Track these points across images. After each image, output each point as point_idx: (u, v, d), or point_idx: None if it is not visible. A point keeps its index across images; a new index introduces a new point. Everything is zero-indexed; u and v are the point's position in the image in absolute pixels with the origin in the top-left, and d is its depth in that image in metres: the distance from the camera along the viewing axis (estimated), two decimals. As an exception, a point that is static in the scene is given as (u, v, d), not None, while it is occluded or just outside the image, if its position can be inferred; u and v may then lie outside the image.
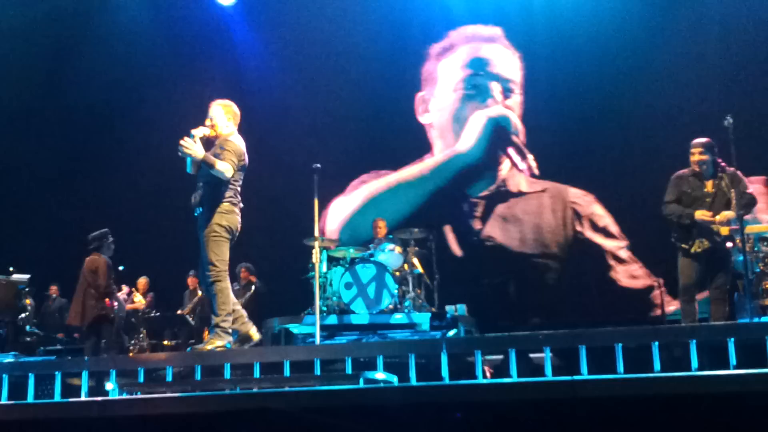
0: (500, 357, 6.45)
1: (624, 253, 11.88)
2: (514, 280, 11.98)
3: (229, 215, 7.02)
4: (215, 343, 6.73)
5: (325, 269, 9.39)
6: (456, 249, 12.37)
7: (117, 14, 13.13)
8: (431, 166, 12.88)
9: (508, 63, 12.81)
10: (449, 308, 9.45)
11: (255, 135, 12.41)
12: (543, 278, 12.09)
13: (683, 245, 7.25)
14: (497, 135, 12.66)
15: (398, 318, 8.90)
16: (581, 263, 11.84)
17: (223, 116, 7.22)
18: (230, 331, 6.89)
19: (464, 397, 4.97)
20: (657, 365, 5.74)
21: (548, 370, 5.97)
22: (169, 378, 6.35)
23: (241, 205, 7.20)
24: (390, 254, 9.53)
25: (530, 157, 12.48)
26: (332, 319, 8.96)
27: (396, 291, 9.09)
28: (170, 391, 5.98)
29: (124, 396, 5.87)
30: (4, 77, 12.38)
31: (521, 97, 12.70)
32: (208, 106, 7.25)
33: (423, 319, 8.87)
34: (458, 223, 12.52)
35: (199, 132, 7.03)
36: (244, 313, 7.09)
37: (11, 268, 9.24)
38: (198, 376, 6.32)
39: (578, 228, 12.17)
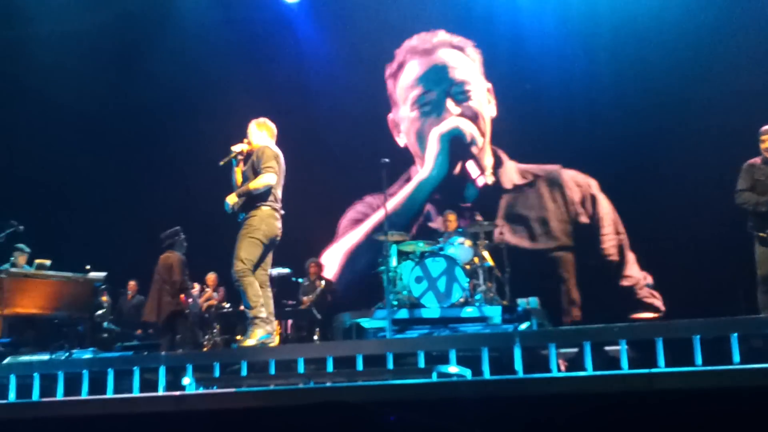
0: (575, 350, 6.36)
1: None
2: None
3: (269, 220, 7.22)
4: (256, 334, 6.94)
5: (394, 263, 9.40)
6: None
7: (182, 18, 13.29)
8: (401, 201, 12.56)
9: (457, 61, 12.64)
10: (521, 301, 9.36)
11: (320, 132, 12.64)
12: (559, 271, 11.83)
13: (761, 234, 7.07)
14: (454, 149, 12.52)
15: (469, 311, 8.84)
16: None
17: (257, 131, 7.54)
18: (269, 319, 7.12)
19: (539, 391, 4.93)
20: (736, 357, 5.60)
21: (624, 362, 5.88)
22: (244, 372, 6.42)
23: (282, 211, 7.37)
24: (460, 248, 9.48)
25: (488, 168, 12.39)
26: (403, 313, 8.95)
27: (467, 284, 9.04)
28: (245, 386, 6.06)
29: (201, 390, 5.95)
30: (75, 82, 12.64)
31: (483, 79, 12.56)
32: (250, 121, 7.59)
33: (494, 312, 8.80)
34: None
35: (237, 148, 7.38)
36: None
37: (88, 266, 9.44)
38: (272, 370, 6.38)
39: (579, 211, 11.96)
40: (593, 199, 11.95)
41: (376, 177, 8.83)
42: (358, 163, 11.68)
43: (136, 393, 6.35)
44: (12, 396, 6.60)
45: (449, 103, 12.61)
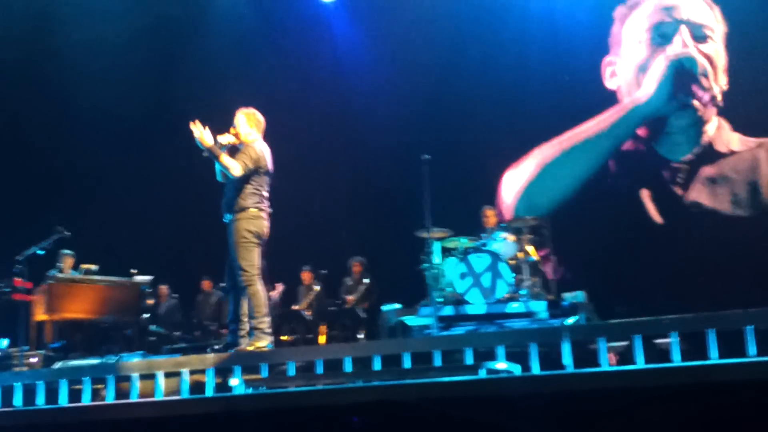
0: (625, 343, 6.27)
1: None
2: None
3: (257, 221, 7.26)
4: (257, 344, 7.00)
5: (438, 260, 9.36)
6: (657, 217, 11.29)
7: (220, 19, 13.37)
8: (610, 122, 11.67)
9: (700, 10, 11.55)
10: (567, 295, 9.27)
11: (362, 130, 12.62)
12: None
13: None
14: (680, 79, 11.33)
15: (515, 307, 8.76)
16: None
17: (246, 124, 7.50)
18: (269, 331, 7.16)
19: (590, 385, 4.86)
20: (792, 348, 5.49)
21: (676, 355, 5.79)
22: (291, 372, 6.43)
23: (270, 210, 7.41)
24: (503, 243, 9.41)
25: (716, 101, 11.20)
26: (448, 310, 8.91)
27: (512, 280, 8.97)
28: (293, 386, 6.07)
29: (249, 392, 5.97)
30: (118, 87, 12.76)
31: (723, 47, 11.40)
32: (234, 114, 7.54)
33: (541, 307, 8.71)
34: (657, 189, 11.38)
35: (223, 139, 7.33)
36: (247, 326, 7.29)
37: (134, 270, 9.55)
38: (319, 370, 6.38)
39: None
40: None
41: (418, 174, 8.78)
42: (396, 161, 11.65)
43: (185, 396, 6.39)
44: (63, 400, 6.68)
45: (685, 35, 11.44)
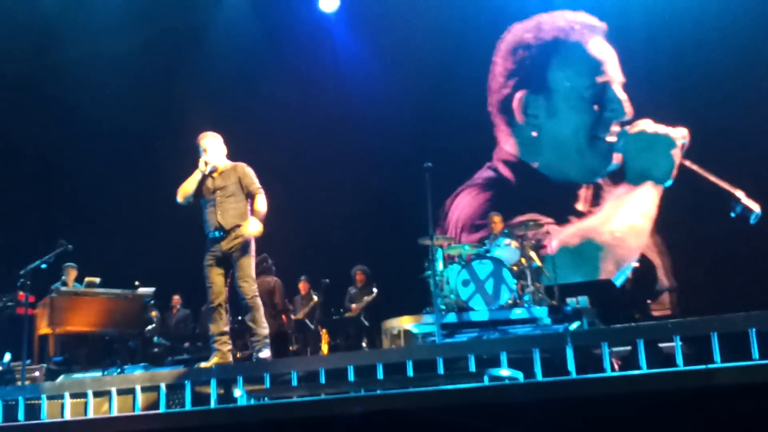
0: (628, 348, 6.24)
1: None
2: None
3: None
4: (267, 352, 7.18)
5: (441, 267, 9.34)
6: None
7: (224, 30, 13.40)
8: None
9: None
10: (571, 300, 9.24)
11: (363, 139, 12.62)
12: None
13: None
14: None
15: (518, 313, 8.75)
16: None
17: (222, 147, 7.62)
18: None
19: (593, 391, 4.84)
20: (797, 350, 5.46)
21: (679, 359, 5.76)
22: (295, 382, 6.41)
23: None
24: (506, 249, 9.39)
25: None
26: (451, 317, 8.89)
27: (514, 286, 8.95)
28: (296, 396, 6.04)
29: (252, 402, 5.95)
30: (120, 102, 12.78)
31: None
32: (198, 140, 7.64)
33: (544, 313, 8.70)
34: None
35: (210, 168, 7.46)
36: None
37: (136, 282, 9.54)
38: (323, 379, 6.36)
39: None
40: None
41: (420, 182, 8.76)
42: (398, 169, 11.65)
43: (188, 407, 6.38)
44: (66, 414, 6.66)
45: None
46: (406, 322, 9.53)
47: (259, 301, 7.35)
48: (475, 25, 12.62)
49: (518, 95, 12.51)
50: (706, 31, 11.19)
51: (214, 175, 7.45)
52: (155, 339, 10.70)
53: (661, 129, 11.64)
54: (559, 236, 11.40)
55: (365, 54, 13.06)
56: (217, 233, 7.32)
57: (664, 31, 11.58)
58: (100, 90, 12.89)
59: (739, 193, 10.93)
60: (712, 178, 11.14)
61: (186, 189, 7.45)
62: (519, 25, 12.69)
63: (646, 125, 11.76)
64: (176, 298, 12.20)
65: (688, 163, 11.41)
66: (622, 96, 11.97)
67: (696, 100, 11.18)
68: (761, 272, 10.00)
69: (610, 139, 11.98)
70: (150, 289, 9.61)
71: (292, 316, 11.35)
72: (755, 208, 10.84)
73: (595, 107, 12.12)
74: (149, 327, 10.27)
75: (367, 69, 12.89)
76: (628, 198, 11.81)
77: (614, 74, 12.07)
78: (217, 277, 7.32)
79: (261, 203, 7.33)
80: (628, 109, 11.91)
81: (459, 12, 12.62)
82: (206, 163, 7.40)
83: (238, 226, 7.29)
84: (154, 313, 10.61)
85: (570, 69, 12.37)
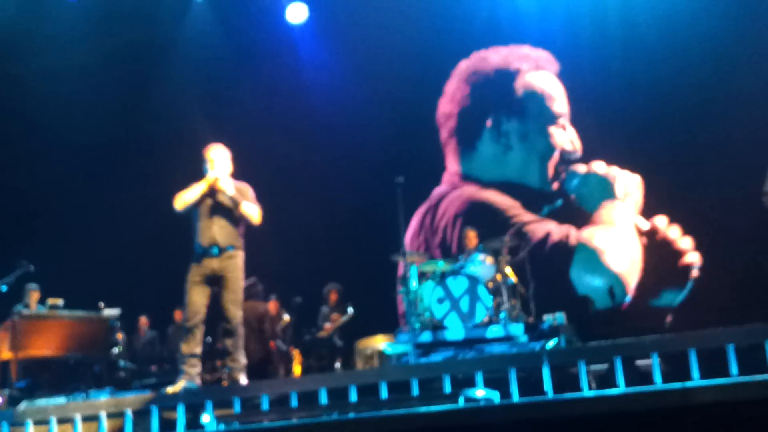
0: (605, 366, 6.14)
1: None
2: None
3: None
4: (244, 380, 7.08)
5: (415, 285, 9.21)
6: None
7: (191, 43, 13.28)
8: None
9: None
10: (547, 317, 9.13)
11: (332, 153, 12.50)
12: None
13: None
14: None
15: (494, 331, 8.63)
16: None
17: (228, 162, 7.48)
18: None
19: (570, 412, 4.75)
20: (772, 365, 5.39)
21: (657, 377, 5.68)
22: (265, 407, 6.24)
23: None
24: (481, 265, 9.28)
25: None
26: (426, 336, 8.75)
27: (490, 303, 8.84)
28: (266, 420, 5.88)
29: (222, 428, 5.78)
30: (83, 115, 12.56)
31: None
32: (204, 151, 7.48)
33: (520, 330, 8.59)
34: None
35: (221, 184, 7.30)
36: None
37: (101, 304, 9.34)
38: (294, 403, 6.20)
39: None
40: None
41: (390, 197, 8.64)
42: (370, 184, 11.52)
43: (154, 433, 6.19)
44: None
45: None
46: (379, 342, 9.39)
47: (242, 328, 7.21)
48: (445, 35, 12.58)
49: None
50: (662, 77, 11.22)
51: (220, 188, 7.24)
52: (121, 363, 10.48)
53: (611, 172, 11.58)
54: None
55: (334, 66, 12.98)
56: (212, 250, 7.13)
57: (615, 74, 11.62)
58: (62, 104, 12.64)
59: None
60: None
61: (188, 200, 7.25)
62: (477, 54, 12.70)
63: (598, 167, 11.69)
64: (143, 319, 12.01)
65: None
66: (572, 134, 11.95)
67: (649, 144, 11.13)
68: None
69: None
70: (115, 311, 9.42)
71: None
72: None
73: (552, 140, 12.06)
74: (115, 350, 10.06)
75: (337, 82, 12.81)
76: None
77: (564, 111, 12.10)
78: (199, 296, 7.10)
79: (253, 209, 7.28)
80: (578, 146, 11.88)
81: (428, 24, 12.57)
82: (217, 179, 7.22)
83: (233, 247, 7.15)
84: (120, 336, 10.40)
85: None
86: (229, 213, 7.25)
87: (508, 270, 9.37)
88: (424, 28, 12.47)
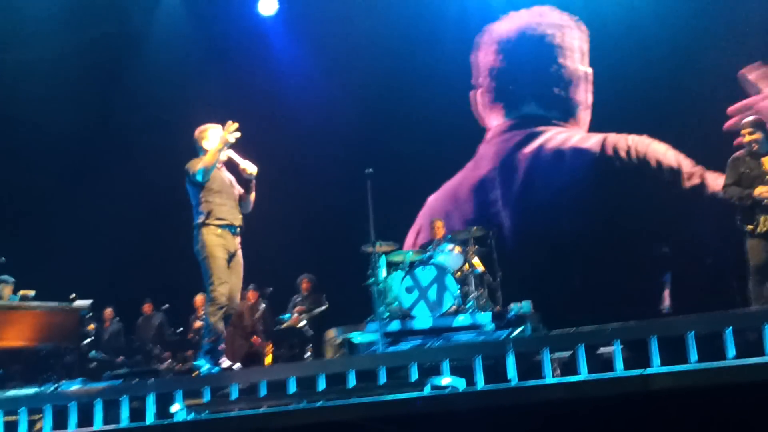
0: (569, 353, 6.26)
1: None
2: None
3: None
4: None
5: (384, 274, 9.30)
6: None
7: (161, 35, 13.24)
8: None
9: None
10: (514, 306, 9.26)
11: (303, 145, 12.54)
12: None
13: (748, 226, 7.08)
14: None
15: (462, 320, 8.76)
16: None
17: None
18: None
19: (533, 398, 4.85)
20: (732, 352, 5.52)
21: (619, 364, 5.79)
22: (235, 396, 6.31)
23: None
24: (449, 255, 9.39)
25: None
26: (395, 325, 8.85)
27: (458, 292, 8.95)
28: (236, 410, 5.94)
29: (191, 418, 5.84)
30: (54, 107, 12.50)
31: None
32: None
33: (487, 319, 8.71)
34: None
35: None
36: None
37: (73, 295, 9.33)
38: (263, 392, 6.27)
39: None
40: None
41: (362, 189, 8.71)
42: (339, 176, 11.59)
43: (125, 423, 6.23)
44: (1, 432, 6.48)
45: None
46: (349, 332, 9.46)
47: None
48: (417, 28, 12.64)
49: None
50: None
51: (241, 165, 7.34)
52: (92, 353, 10.49)
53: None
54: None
55: (305, 58, 13.01)
56: (235, 229, 7.21)
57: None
58: (31, 96, 12.57)
59: None
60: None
61: (209, 161, 7.21)
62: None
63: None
64: (108, 311, 12.02)
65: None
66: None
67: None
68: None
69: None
70: (87, 302, 9.40)
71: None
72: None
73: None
74: (86, 341, 10.06)
75: (307, 73, 12.85)
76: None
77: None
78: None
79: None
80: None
81: (401, 16, 12.63)
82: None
83: (241, 227, 7.23)
84: (91, 327, 10.41)
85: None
86: (239, 194, 7.39)
87: (476, 260, 9.50)
88: (392, 20, 12.53)
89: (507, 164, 12.40)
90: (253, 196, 7.39)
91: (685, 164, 11.10)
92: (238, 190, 7.39)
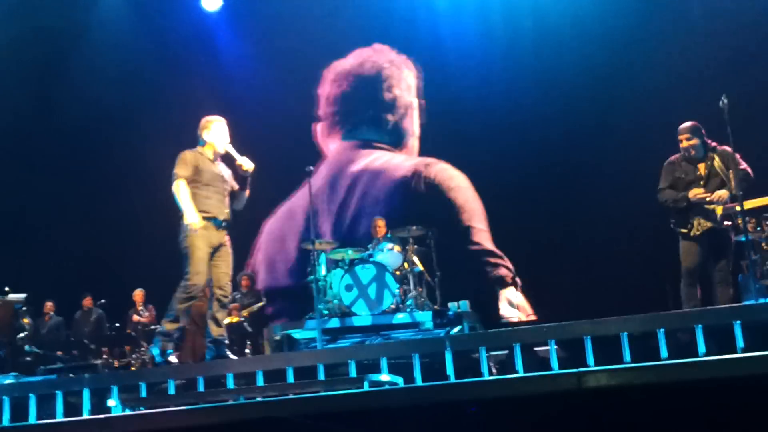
0: (505, 352, 6.36)
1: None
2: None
3: None
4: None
5: (324, 272, 9.31)
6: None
7: (104, 29, 13.04)
8: None
9: None
10: (452, 305, 9.36)
11: (246, 141, 12.47)
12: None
13: (682, 229, 7.20)
14: None
15: (401, 318, 8.82)
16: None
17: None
18: None
19: (471, 395, 4.90)
20: (664, 352, 5.66)
21: (554, 363, 5.90)
22: (172, 391, 6.27)
23: None
24: (389, 253, 9.45)
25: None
26: (334, 323, 8.87)
27: (397, 290, 9.01)
28: (173, 405, 5.91)
29: (127, 412, 5.79)
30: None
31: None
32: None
33: (426, 317, 8.79)
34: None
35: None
36: None
37: (6, 288, 9.17)
38: (201, 387, 6.25)
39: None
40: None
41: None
42: (280, 172, 11.56)
43: (59, 418, 6.15)
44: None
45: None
46: (288, 328, 9.46)
47: None
48: (359, 22, 12.74)
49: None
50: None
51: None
52: (27, 347, 10.31)
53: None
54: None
55: (248, 53, 12.98)
56: (219, 222, 7.11)
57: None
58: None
59: None
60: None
61: (179, 198, 7.10)
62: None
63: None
64: (49, 304, 11.82)
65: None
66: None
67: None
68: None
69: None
70: (21, 295, 9.26)
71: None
72: None
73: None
74: (21, 335, 9.88)
75: (250, 69, 12.80)
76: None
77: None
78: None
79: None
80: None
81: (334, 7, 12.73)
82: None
83: (227, 221, 7.17)
84: (26, 320, 10.23)
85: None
86: (230, 188, 7.34)
87: (415, 259, 9.57)
88: (330, 10, 12.61)
89: (335, 180, 13.01)
90: (247, 192, 7.36)
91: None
92: (232, 185, 7.33)
